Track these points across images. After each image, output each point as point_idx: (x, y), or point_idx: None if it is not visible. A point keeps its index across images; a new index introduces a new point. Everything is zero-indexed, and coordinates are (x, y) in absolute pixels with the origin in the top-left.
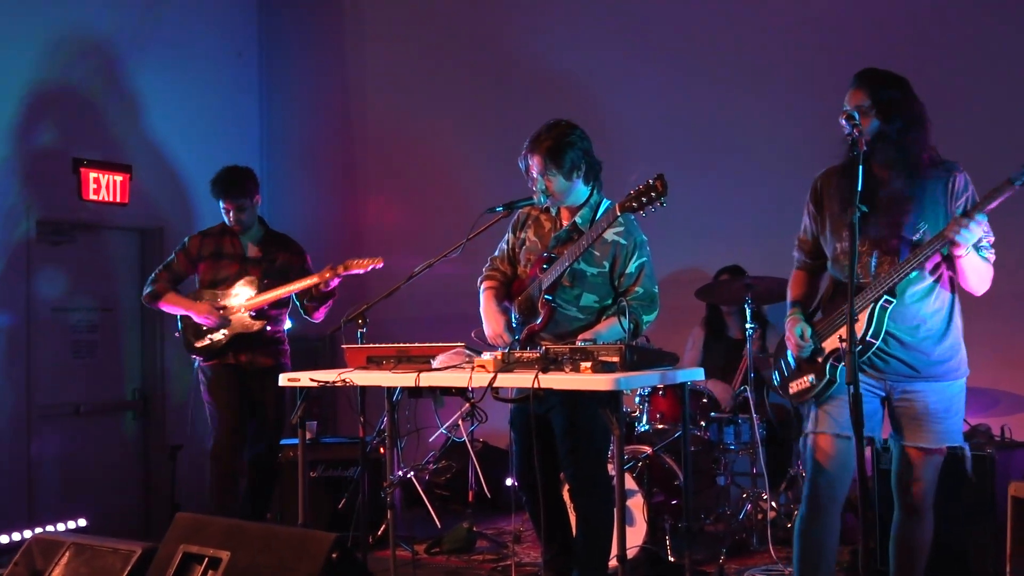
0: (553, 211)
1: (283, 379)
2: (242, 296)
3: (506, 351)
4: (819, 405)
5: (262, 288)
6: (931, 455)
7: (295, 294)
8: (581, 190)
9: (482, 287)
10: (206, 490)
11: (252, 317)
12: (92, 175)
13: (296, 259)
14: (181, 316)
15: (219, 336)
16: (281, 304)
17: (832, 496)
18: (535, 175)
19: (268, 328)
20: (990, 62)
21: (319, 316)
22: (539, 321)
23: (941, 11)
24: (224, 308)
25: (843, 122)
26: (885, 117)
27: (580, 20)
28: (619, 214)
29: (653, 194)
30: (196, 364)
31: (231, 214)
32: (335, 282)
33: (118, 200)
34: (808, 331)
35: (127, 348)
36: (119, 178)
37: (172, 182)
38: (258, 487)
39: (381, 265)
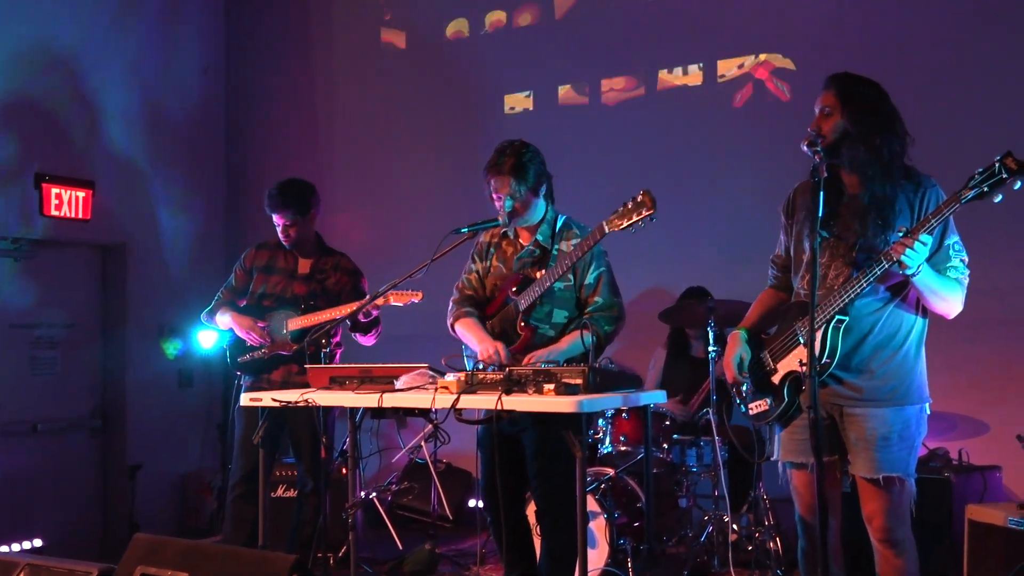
0: (511, 233)
1: (244, 399)
2: (283, 315)
3: (495, 368)
4: (782, 429)
5: (305, 310)
6: (880, 485)
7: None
8: (540, 206)
9: (458, 316)
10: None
11: (293, 339)
12: (54, 191)
13: (348, 280)
14: (228, 330)
15: (260, 353)
16: (332, 323)
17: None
18: (502, 196)
19: (311, 349)
20: (958, 86)
21: (367, 341)
22: (517, 343)
23: (921, 35)
24: (267, 324)
25: (804, 148)
26: (853, 117)
27: (543, 46)
28: (607, 231)
29: (644, 211)
30: (237, 381)
31: (281, 229)
32: (373, 313)
33: (80, 216)
34: (747, 362)
35: (88, 365)
36: (81, 194)
37: (135, 198)
38: (303, 524)
39: (420, 299)
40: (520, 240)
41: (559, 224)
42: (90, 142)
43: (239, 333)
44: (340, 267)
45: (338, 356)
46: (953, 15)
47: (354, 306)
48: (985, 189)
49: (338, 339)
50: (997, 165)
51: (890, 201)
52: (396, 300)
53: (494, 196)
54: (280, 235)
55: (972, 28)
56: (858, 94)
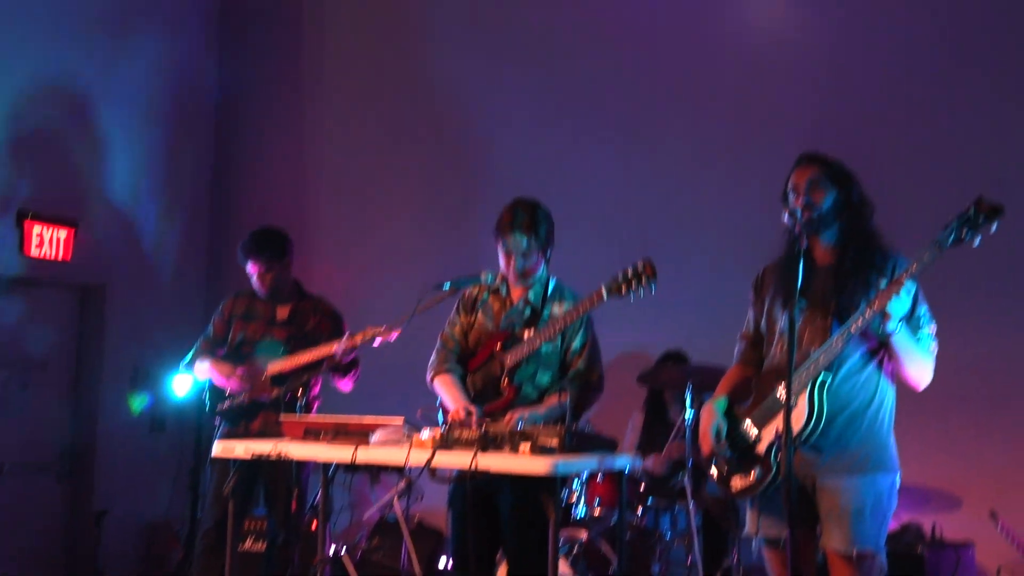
0: (503, 290)
1: (217, 448)
2: (263, 359)
3: (465, 424)
4: (754, 501)
5: (286, 353)
6: (853, 560)
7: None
8: (542, 265)
9: (438, 371)
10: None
11: (272, 384)
12: (36, 229)
13: (327, 324)
14: (208, 379)
15: (239, 399)
16: (311, 369)
17: None
18: (514, 256)
19: (289, 396)
20: (925, 154)
21: (345, 386)
22: (499, 401)
23: (889, 99)
24: (245, 371)
25: (785, 218)
26: (843, 189)
27: (525, 102)
28: (605, 297)
29: (644, 278)
30: (217, 425)
31: (257, 276)
32: (351, 355)
33: (61, 257)
34: (724, 431)
35: (58, 407)
36: (63, 233)
37: (118, 239)
38: None
39: (395, 337)
40: (511, 297)
41: (551, 286)
42: (75, 181)
43: (217, 381)
44: (319, 310)
45: (315, 408)
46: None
47: (333, 345)
48: (963, 234)
49: (316, 391)
50: (972, 209)
51: (870, 268)
52: (374, 334)
53: (504, 254)
54: (256, 284)
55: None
56: (841, 169)
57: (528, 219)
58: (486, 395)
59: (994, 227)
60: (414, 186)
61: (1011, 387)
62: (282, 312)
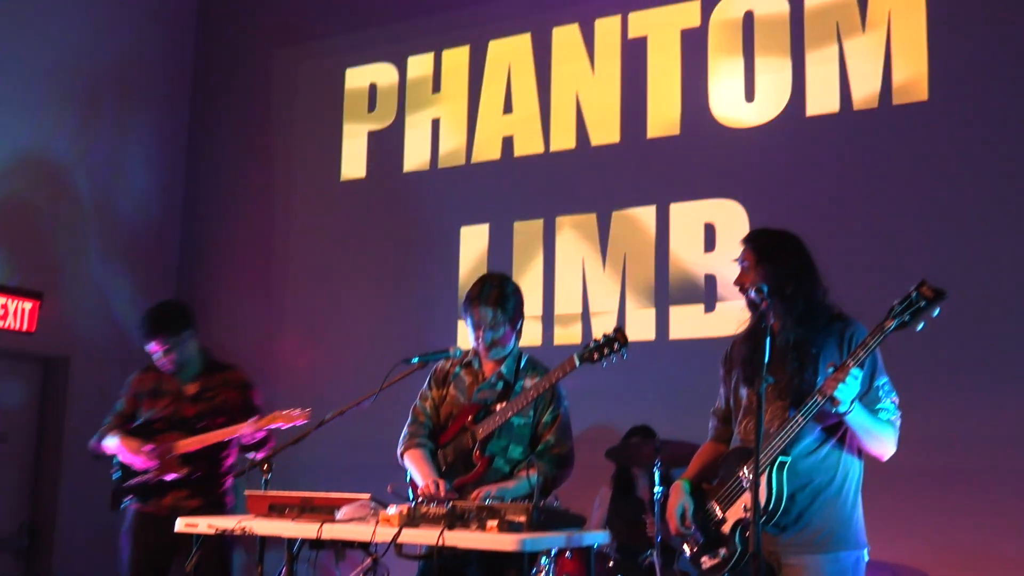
0: (476, 364)
1: (180, 524)
2: (173, 437)
3: (434, 501)
4: None
5: (196, 431)
6: None
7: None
8: (513, 339)
9: (409, 446)
10: None
11: (180, 463)
12: (0, 300)
13: (238, 396)
14: (118, 458)
15: (147, 476)
16: (222, 444)
17: None
18: (483, 329)
19: (198, 473)
20: (879, 222)
21: (256, 457)
22: (471, 473)
23: (849, 173)
24: (153, 449)
25: (752, 294)
26: (768, 271)
27: (501, 181)
28: (577, 364)
29: (616, 345)
30: (124, 505)
31: (161, 355)
32: (260, 434)
33: (24, 328)
34: (690, 511)
35: (19, 480)
36: (28, 305)
37: (83, 311)
38: None
39: (304, 421)
40: (483, 371)
41: (523, 361)
42: (42, 252)
43: (125, 458)
44: (229, 383)
45: (228, 483)
46: (897, 171)
47: (242, 426)
48: (906, 319)
49: (231, 461)
50: (914, 294)
51: (808, 344)
52: (281, 422)
53: (473, 327)
54: (160, 363)
55: (909, 181)
56: (772, 249)
57: (495, 292)
58: (457, 468)
59: (936, 311)
60: (382, 263)
61: (977, 463)
62: (190, 388)
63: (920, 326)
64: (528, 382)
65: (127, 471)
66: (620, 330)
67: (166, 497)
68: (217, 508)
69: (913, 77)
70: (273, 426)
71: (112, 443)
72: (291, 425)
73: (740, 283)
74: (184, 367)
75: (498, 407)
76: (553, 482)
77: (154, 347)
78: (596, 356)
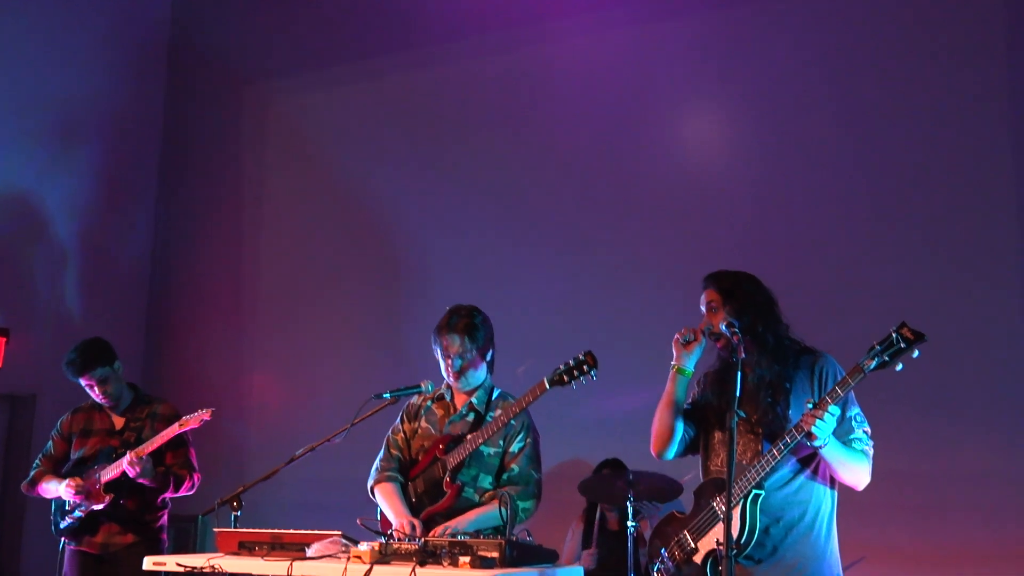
0: (448, 396)
1: (148, 563)
2: (98, 470)
3: (403, 540)
4: None
5: (116, 458)
6: None
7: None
8: (483, 371)
9: (379, 480)
10: None
11: (106, 491)
12: None
13: (163, 428)
14: (54, 499)
15: (78, 513)
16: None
17: None
18: (451, 355)
19: (123, 502)
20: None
21: (180, 492)
22: (442, 501)
23: (817, 216)
24: (79, 482)
25: (723, 328)
26: (735, 309)
27: (464, 216)
28: (548, 387)
29: (585, 367)
30: (61, 547)
31: (95, 389)
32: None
33: None
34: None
35: None
36: None
37: (50, 348)
38: None
39: (209, 418)
40: (454, 403)
41: (495, 394)
42: (8, 290)
43: (51, 495)
44: (155, 415)
45: (164, 517)
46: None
47: (157, 441)
48: (886, 359)
49: (169, 493)
50: (894, 336)
51: (779, 381)
52: (193, 424)
53: (443, 355)
54: (97, 396)
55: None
56: (737, 288)
57: (464, 322)
58: (428, 497)
59: (916, 353)
60: (353, 299)
61: (947, 500)
62: (118, 421)
63: (899, 367)
64: (499, 412)
65: (63, 513)
66: (590, 352)
67: (97, 535)
68: (152, 544)
69: None
70: (187, 428)
71: (50, 487)
72: (199, 425)
73: (709, 323)
74: (117, 401)
75: (468, 436)
76: (524, 515)
77: (89, 380)
78: (566, 379)
